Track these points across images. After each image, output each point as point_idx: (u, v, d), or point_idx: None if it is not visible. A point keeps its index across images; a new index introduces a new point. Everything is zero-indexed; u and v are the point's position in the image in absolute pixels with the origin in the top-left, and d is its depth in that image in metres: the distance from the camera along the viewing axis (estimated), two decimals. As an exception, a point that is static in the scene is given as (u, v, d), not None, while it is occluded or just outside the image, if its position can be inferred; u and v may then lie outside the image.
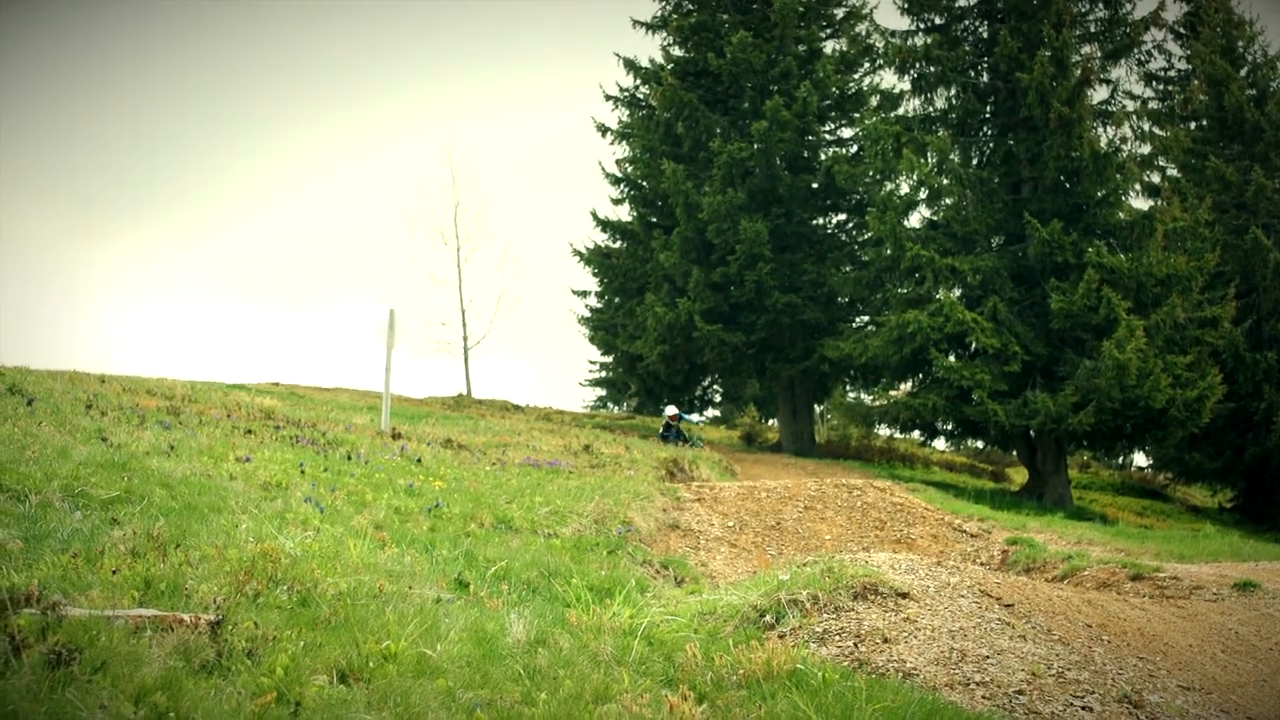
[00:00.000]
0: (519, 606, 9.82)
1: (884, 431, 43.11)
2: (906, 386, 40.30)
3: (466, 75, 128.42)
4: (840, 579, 10.86)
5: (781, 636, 9.97)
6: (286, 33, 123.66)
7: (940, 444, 46.89)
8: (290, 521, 11.22)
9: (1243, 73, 47.99)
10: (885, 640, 9.87)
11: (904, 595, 10.79)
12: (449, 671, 7.53)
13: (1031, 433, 38.12)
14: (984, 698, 8.96)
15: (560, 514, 15.76)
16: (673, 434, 36.43)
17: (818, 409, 47.26)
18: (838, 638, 9.98)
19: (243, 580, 8.40)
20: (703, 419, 51.60)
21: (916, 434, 41.23)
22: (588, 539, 14.67)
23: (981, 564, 18.27)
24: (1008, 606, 11.14)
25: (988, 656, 9.69)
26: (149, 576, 8.10)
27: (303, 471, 14.69)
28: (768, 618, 10.44)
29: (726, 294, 41.65)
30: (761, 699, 7.96)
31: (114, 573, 8.04)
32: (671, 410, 37.25)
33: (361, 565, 9.98)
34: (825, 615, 10.39)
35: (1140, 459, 51.82)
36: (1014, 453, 43.13)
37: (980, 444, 44.50)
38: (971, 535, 20.19)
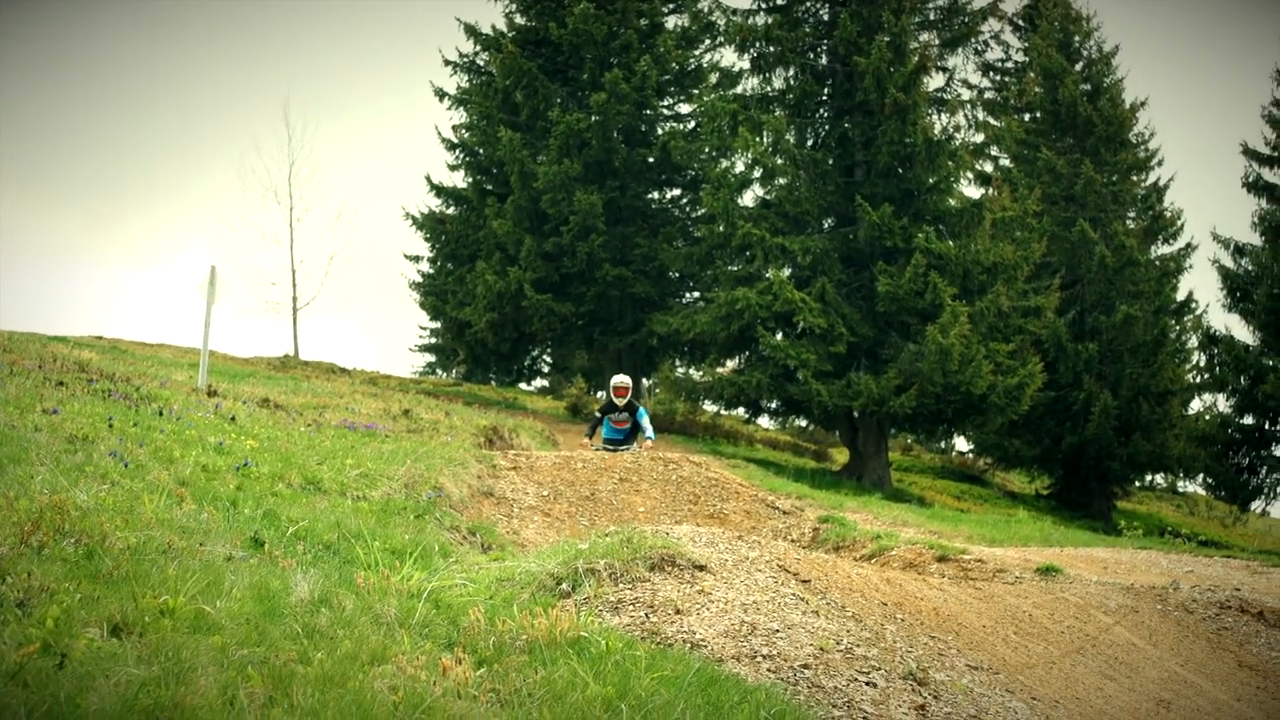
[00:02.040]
0: (309, 567, 9.70)
1: (710, 407, 43.24)
2: (733, 363, 40.52)
3: (306, 33, 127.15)
4: (638, 550, 10.85)
5: (577, 605, 9.93)
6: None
7: (765, 422, 47.24)
8: (90, 475, 10.98)
9: (1078, 67, 48.69)
10: (677, 611, 9.87)
11: (701, 568, 10.81)
12: (226, 628, 7.41)
13: (854, 414, 38.45)
14: (769, 670, 8.99)
15: (371, 477, 15.63)
16: (618, 433, 24.78)
17: (645, 383, 47.33)
18: (631, 608, 9.97)
19: (28, 532, 8.20)
20: (532, 389, 51.56)
21: (741, 411, 41.47)
22: (396, 503, 14.56)
23: (792, 541, 18.38)
24: (805, 582, 11.20)
25: (778, 630, 9.72)
26: (-72, 525, 7.90)
27: (111, 426, 14.41)
28: (564, 586, 10.40)
29: (558, 264, 41.61)
30: (542, 664, 7.93)
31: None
32: (622, 381, 24.81)
33: (156, 521, 9.79)
34: (622, 585, 10.38)
35: (961, 444, 52.58)
36: (837, 433, 43.49)
37: (804, 423, 44.84)
38: (784, 512, 20.31)
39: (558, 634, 8.43)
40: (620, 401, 24.57)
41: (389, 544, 11.56)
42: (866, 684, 9.16)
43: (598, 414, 25.08)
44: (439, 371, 56.38)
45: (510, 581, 10.58)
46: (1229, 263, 45.45)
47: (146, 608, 7.32)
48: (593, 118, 41.91)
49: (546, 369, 50.40)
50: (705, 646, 9.25)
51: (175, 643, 6.90)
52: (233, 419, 18.35)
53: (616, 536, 11.31)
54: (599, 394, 47.76)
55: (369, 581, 9.23)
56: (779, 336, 37.60)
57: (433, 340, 53.83)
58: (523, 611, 8.91)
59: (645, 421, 24.44)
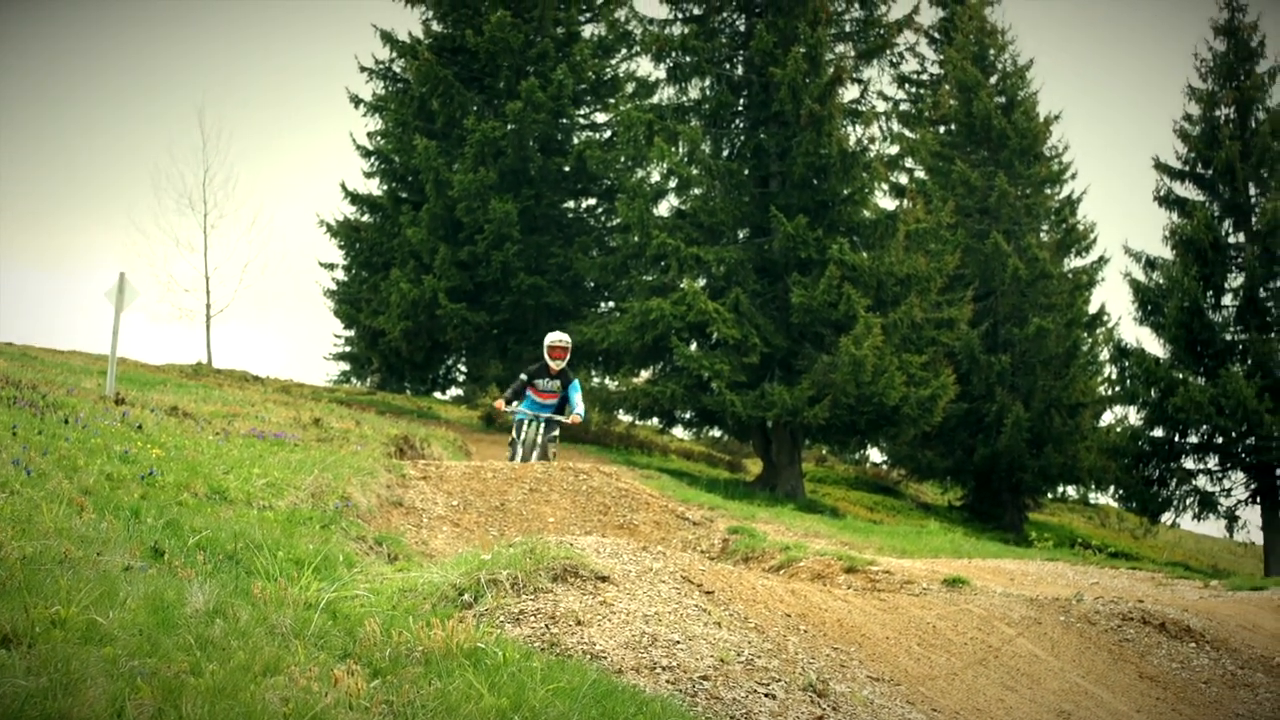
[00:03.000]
0: (209, 577, 9.61)
1: (625, 418, 43.25)
2: (647, 374, 40.56)
3: (222, 38, 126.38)
4: (541, 560, 10.82)
5: (478, 616, 9.90)
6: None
7: (680, 432, 47.29)
8: (-11, 485, 10.88)
9: (993, 80, 49.00)
10: (578, 622, 9.85)
11: (604, 579, 10.79)
12: (118, 639, 7.33)
13: (768, 424, 38.56)
14: (668, 682, 8.99)
15: (277, 486, 15.50)
16: (544, 407, 22.15)
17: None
18: (533, 618, 9.94)
19: (-81, 543, 8.11)
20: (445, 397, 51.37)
21: (656, 421, 41.52)
22: (302, 512, 14.46)
23: (702, 552, 18.41)
24: (708, 593, 11.19)
25: (679, 642, 9.72)
26: None
27: (14, 434, 14.24)
28: (466, 596, 10.36)
29: (473, 273, 41.49)
30: (437, 676, 7.89)
31: None
32: (560, 340, 21.97)
33: (54, 530, 9.70)
34: (524, 596, 10.34)
35: (875, 455, 52.80)
36: (751, 444, 43.59)
37: (719, 434, 44.95)
38: (694, 523, 20.31)
39: (454, 645, 8.40)
40: (555, 365, 21.59)
41: (293, 554, 11.46)
42: (766, 696, 9.17)
43: (523, 377, 22.03)
44: (353, 380, 56.16)
45: (413, 592, 10.53)
46: (1140, 276, 45.84)
47: (38, 618, 7.24)
48: (509, 126, 41.86)
49: (461, 378, 50.28)
50: (605, 658, 9.24)
51: (65, 654, 6.83)
52: (140, 427, 18.16)
53: (520, 547, 11.27)
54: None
55: (266, 592, 9.16)
56: (693, 347, 37.69)
57: (347, 349, 53.65)
58: (419, 623, 8.87)
59: (577, 395, 21.92)
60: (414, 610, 9.89)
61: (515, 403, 22.60)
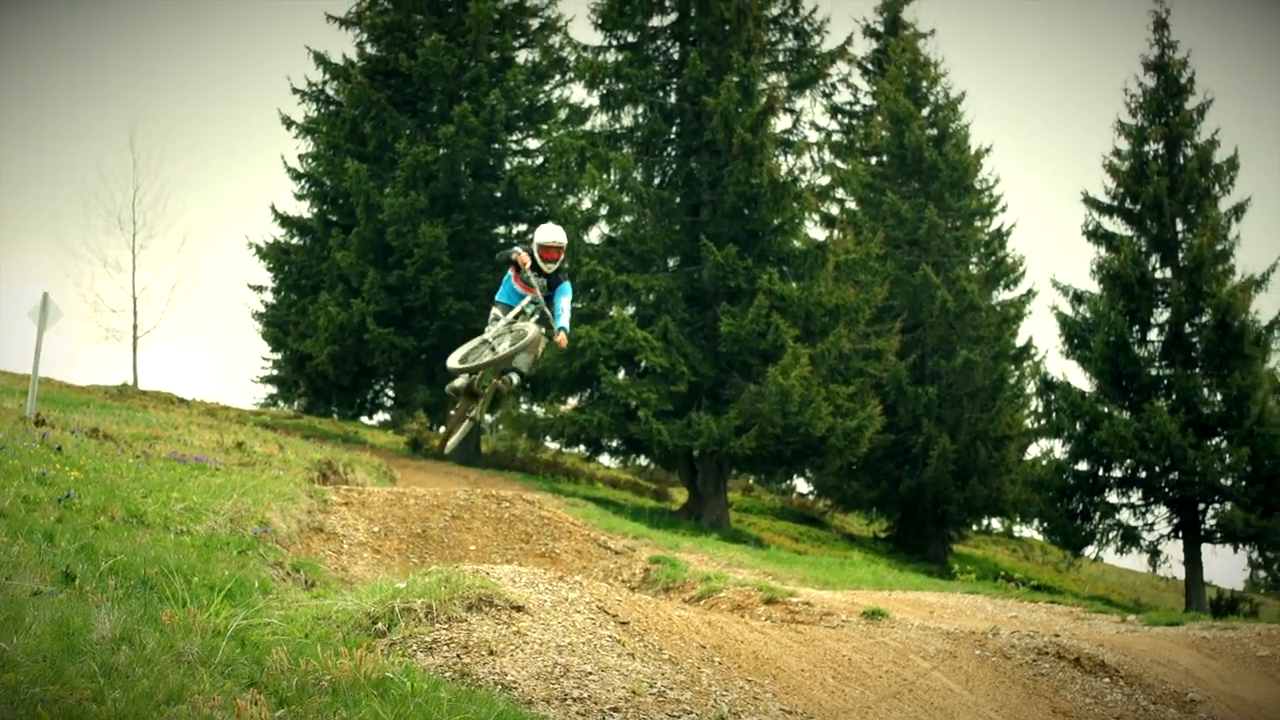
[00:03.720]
0: (119, 603, 9.53)
1: (552, 445, 43.17)
2: (575, 401, 40.50)
3: (154, 57, 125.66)
4: (456, 589, 10.79)
5: (391, 645, 9.86)
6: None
7: (607, 460, 47.22)
8: (-98, 508, 10.77)
9: (924, 112, 49.18)
10: (491, 652, 9.83)
11: (519, 608, 10.76)
12: (22, 666, 7.26)
13: (694, 453, 38.58)
14: (579, 713, 8.98)
15: (196, 511, 15.41)
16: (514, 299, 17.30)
17: (488, 418, 47.17)
18: (446, 648, 9.91)
19: None
20: (373, 423, 51.18)
21: (583, 449, 41.49)
22: (220, 538, 14.39)
23: (623, 581, 18.42)
24: (623, 624, 11.17)
25: (591, 673, 9.70)
26: None
27: (-70, 456, 14.14)
28: (380, 625, 10.33)
29: (402, 297, 41.32)
30: (344, 706, 7.85)
31: None
32: (555, 237, 17.18)
33: (-37, 554, 9.61)
34: (438, 625, 10.31)
35: (801, 485, 52.88)
36: (677, 472, 43.55)
37: (646, 462, 44.92)
38: (616, 552, 20.32)
39: (362, 675, 8.36)
40: (549, 268, 17.35)
41: (208, 580, 11.41)
42: (676, 728, 9.16)
43: (510, 254, 17.34)
44: (280, 403, 55.79)
45: (327, 620, 10.48)
46: (1068, 310, 46.08)
47: (-60, 644, 7.17)
48: (441, 150, 41.75)
49: (389, 403, 50.02)
50: (516, 688, 9.21)
51: (-35, 681, 6.75)
52: (59, 449, 18.03)
53: (435, 576, 11.24)
54: (440, 428, 47.22)
55: (174, 618, 9.09)
56: (621, 375, 37.75)
57: (274, 372, 53.33)
58: (328, 651, 8.82)
59: (565, 301, 17.47)
60: (326, 638, 9.83)
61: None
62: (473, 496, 20.99)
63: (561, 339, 17.24)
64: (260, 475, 20.76)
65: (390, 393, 48.49)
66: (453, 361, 16.32)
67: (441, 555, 18.35)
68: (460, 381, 16.83)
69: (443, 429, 19.32)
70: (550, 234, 17.40)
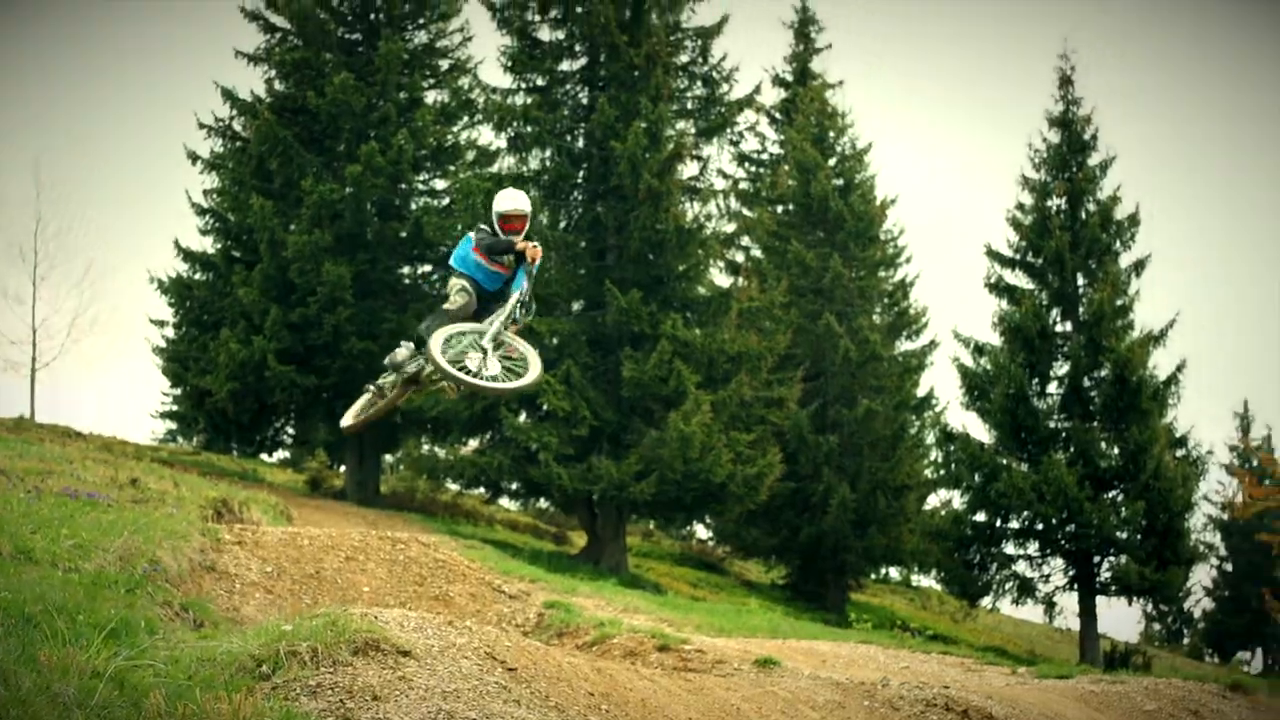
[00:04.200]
0: (-2, 642, 9.39)
1: (453, 486, 43.02)
2: (475, 443, 40.43)
3: (59, 88, 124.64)
4: (343, 633, 10.70)
5: (274, 688, 9.77)
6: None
7: (507, 503, 47.14)
8: None
9: (831, 162, 49.52)
10: (375, 698, 9.75)
11: (406, 653, 10.69)
12: (-109, 707, 7.14)
13: (594, 497, 38.57)
14: (461, 761, 8.93)
15: (85, 548, 15.22)
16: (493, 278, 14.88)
17: (388, 459, 46.98)
18: (330, 692, 9.83)
19: None
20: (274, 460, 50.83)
21: (483, 491, 41.42)
22: (108, 575, 14.20)
23: (517, 626, 18.35)
24: (511, 670, 11.13)
25: (476, 719, 9.66)
26: None
27: None
28: (264, 668, 10.22)
29: (304, 336, 41.06)
30: (222, 751, 7.77)
31: None
32: (517, 204, 14.85)
33: None
34: (323, 669, 10.22)
35: (702, 531, 52.97)
36: (577, 516, 43.52)
37: (545, 505, 44.89)
38: (511, 596, 20.24)
39: (241, 718, 8.28)
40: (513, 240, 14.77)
41: (94, 619, 11.24)
42: (559, 777, 9.13)
43: (474, 236, 14.94)
44: (179, 439, 55.35)
45: (211, 662, 10.36)
46: (969, 361, 46.49)
47: None
48: (347, 189, 41.62)
49: (289, 441, 49.71)
50: (397, 735, 9.15)
51: None
52: (-54, 483, 17.81)
53: (322, 619, 11.15)
54: (342, 468, 46.96)
55: (53, 659, 8.97)
56: (522, 418, 37.76)
57: (174, 407, 52.83)
58: (207, 695, 8.73)
59: (528, 285, 14.80)
60: (210, 681, 9.73)
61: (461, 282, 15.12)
62: (367, 538, 20.86)
63: (517, 327, 14.71)
64: (153, 513, 20.54)
65: (290, 431, 48.20)
66: (437, 357, 13.78)
67: (335, 597, 18.22)
68: (414, 368, 14.93)
69: (356, 404, 16.63)
70: (511, 200, 14.87)
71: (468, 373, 13.94)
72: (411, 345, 15.28)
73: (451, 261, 15.19)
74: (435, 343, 13.81)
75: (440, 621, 12.08)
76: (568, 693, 11.12)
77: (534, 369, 14.26)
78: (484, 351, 14.08)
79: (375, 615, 11.58)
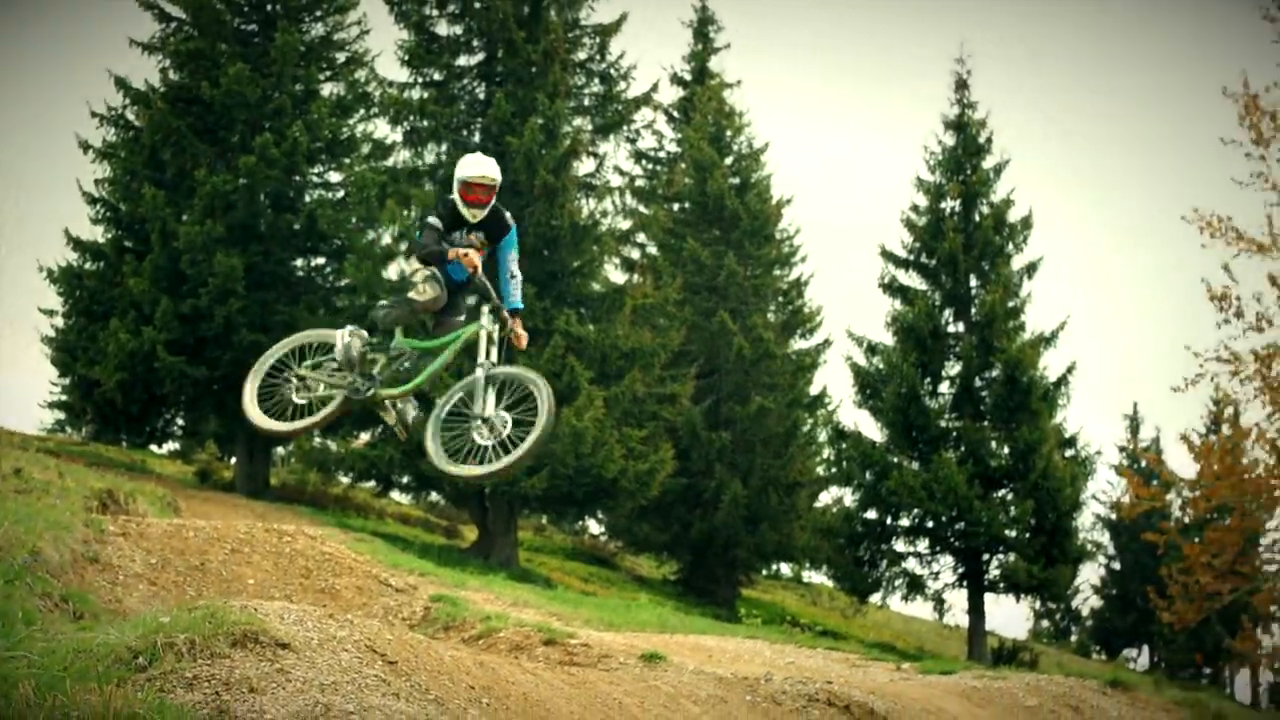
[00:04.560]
0: None
1: (344, 479, 42.81)
2: (367, 436, 40.27)
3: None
4: (221, 625, 10.65)
5: (150, 680, 9.71)
6: None
7: (399, 496, 47.01)
8: None
9: (728, 161, 49.70)
10: (251, 690, 9.71)
11: (284, 645, 10.65)
12: None
13: (485, 492, 38.51)
14: (336, 753, 8.91)
15: (-37, 539, 15.08)
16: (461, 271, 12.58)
17: (279, 452, 46.68)
18: (206, 684, 9.78)
19: None
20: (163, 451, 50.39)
21: (374, 484, 41.27)
22: (-13, 567, 14.07)
23: (403, 619, 18.30)
24: (391, 664, 11.11)
25: (353, 712, 9.63)
26: None
27: None
28: (141, 659, 10.15)
29: (195, 327, 40.67)
30: (91, 743, 7.72)
31: None
32: (485, 171, 12.93)
33: None
34: (200, 661, 10.16)
35: (593, 526, 53.02)
36: (468, 510, 43.44)
37: (437, 499, 44.80)
38: (398, 590, 20.16)
39: (112, 711, 8.23)
40: (473, 215, 12.73)
41: (-31, 610, 11.16)
42: (434, 769, 9.14)
43: (433, 222, 12.83)
44: (68, 430, 54.79)
45: (88, 654, 10.28)
46: (861, 360, 46.90)
47: None
48: (240, 180, 41.30)
49: (178, 432, 49.28)
50: (272, 727, 9.13)
51: None
52: None
53: (201, 610, 11.09)
54: (232, 460, 46.57)
55: (-78, 651, 8.90)
56: (416, 412, 37.63)
57: (62, 397, 52.31)
58: (78, 687, 8.67)
59: (515, 265, 12.95)
60: (85, 673, 9.65)
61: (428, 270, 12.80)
62: (254, 530, 20.72)
63: (517, 328, 12.71)
64: (36, 503, 20.34)
65: (180, 422, 47.80)
66: (445, 466, 12.72)
67: (220, 589, 18.11)
68: (363, 370, 13.21)
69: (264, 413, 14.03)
70: (477, 165, 12.83)
71: (484, 460, 12.38)
72: (356, 333, 13.26)
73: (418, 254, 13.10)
74: (432, 445, 12.64)
75: (321, 614, 12.04)
76: (448, 686, 11.12)
77: (542, 407, 11.90)
78: (486, 421, 12.30)
79: (255, 608, 11.52)
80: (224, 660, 10.20)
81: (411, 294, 12.70)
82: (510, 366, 12.43)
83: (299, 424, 13.83)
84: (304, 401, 13.56)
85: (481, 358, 12.38)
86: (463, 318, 12.81)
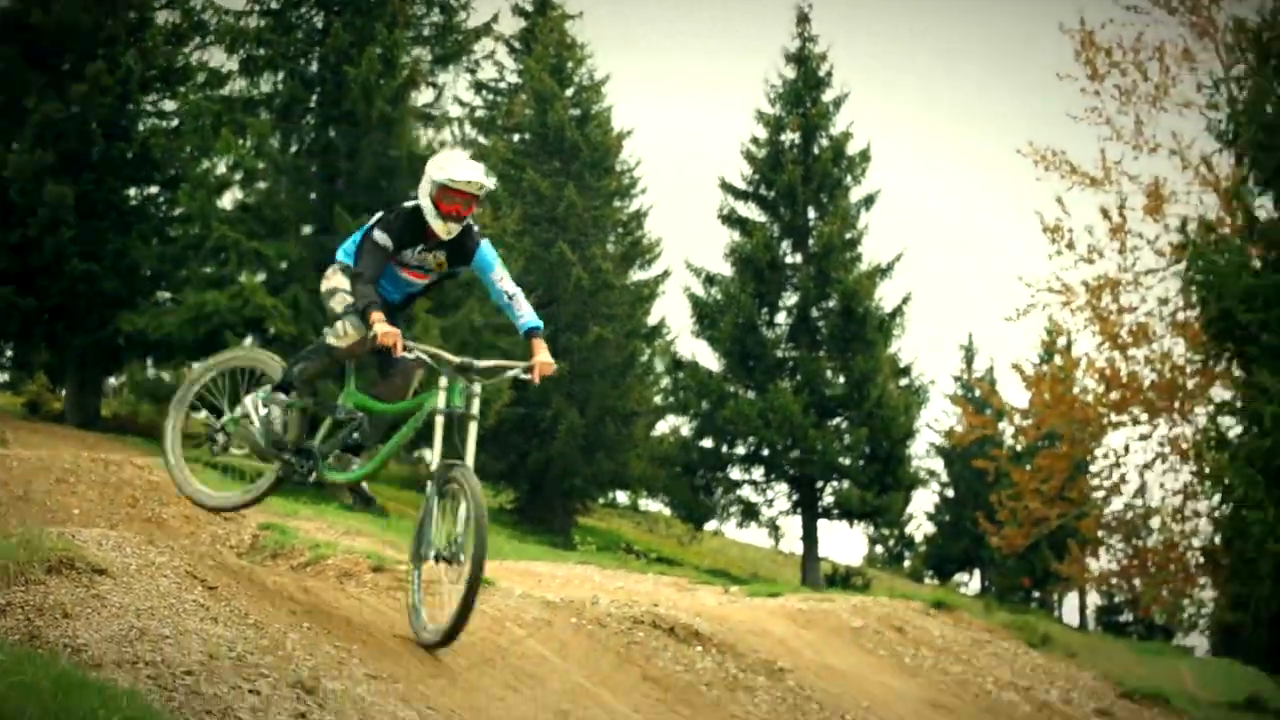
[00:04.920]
0: None
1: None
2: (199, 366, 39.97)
3: None
4: (37, 552, 10.61)
5: (-38, 607, 9.69)
6: None
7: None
8: None
9: (569, 93, 49.56)
10: (65, 615, 9.69)
11: (101, 571, 10.61)
12: None
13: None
14: (149, 677, 8.91)
15: None
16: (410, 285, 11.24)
17: (112, 382, 46.16)
18: (19, 611, 9.74)
19: None
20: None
21: (206, 415, 41.04)
22: None
23: (231, 547, 18.23)
24: (211, 589, 11.11)
25: (168, 637, 9.64)
26: None
27: None
28: (-46, 588, 10.12)
29: (24, 257, 40.06)
30: (-108, 669, 7.72)
31: None
32: (469, 174, 10.29)
33: None
34: (14, 588, 10.13)
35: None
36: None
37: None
38: (226, 518, 20.09)
39: (-81, 637, 8.22)
40: (451, 228, 10.48)
41: None
42: (250, 691, 9.18)
43: (380, 238, 10.81)
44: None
45: (-102, 583, 10.24)
46: (700, 291, 47.33)
47: None
48: (72, 108, 40.68)
49: (8, 364, 48.57)
50: (86, 651, 9.11)
51: None
52: None
53: (16, 538, 11.04)
54: (63, 391, 45.95)
55: None
56: (248, 342, 37.34)
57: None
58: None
59: (502, 279, 10.85)
60: (-103, 601, 9.64)
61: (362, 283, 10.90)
62: (80, 459, 20.52)
63: (542, 357, 11.14)
64: None
65: (9, 353, 47.11)
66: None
67: (44, 519, 17.92)
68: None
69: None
70: (464, 168, 10.43)
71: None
72: (273, 401, 11.87)
73: (339, 256, 11.46)
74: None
75: (140, 541, 12.01)
76: (269, 611, 11.16)
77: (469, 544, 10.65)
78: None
79: (73, 534, 11.49)
80: (39, 587, 10.16)
81: (330, 339, 11.20)
82: (465, 475, 10.83)
83: (233, 499, 13.40)
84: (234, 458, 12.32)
85: (431, 453, 10.95)
86: (414, 356, 10.75)
